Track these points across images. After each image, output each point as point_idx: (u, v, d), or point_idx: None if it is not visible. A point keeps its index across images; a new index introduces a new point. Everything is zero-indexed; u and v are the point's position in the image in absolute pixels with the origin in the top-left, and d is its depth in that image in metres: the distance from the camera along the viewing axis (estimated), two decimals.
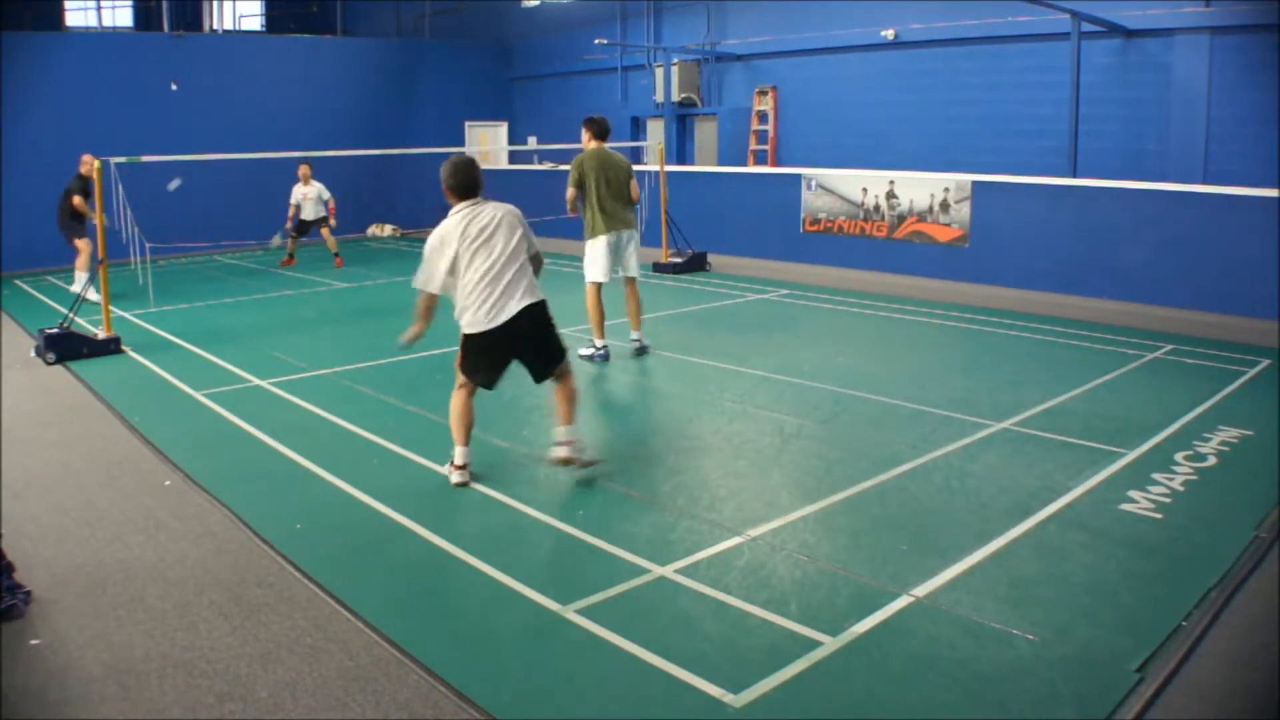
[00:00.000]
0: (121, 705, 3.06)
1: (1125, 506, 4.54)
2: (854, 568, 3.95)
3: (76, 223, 11.09)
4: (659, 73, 16.97)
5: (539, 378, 5.03)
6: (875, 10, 13.99)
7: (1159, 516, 4.43)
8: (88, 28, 18.59)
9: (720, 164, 16.16)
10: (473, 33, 20.13)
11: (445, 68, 19.26)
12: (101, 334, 8.34)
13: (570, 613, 3.59)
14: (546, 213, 12.70)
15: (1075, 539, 4.21)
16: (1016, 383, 6.83)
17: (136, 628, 3.54)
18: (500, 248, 4.77)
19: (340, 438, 5.82)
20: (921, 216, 11.61)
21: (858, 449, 5.51)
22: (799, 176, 13.06)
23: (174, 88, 15.69)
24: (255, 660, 3.31)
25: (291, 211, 13.60)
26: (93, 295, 8.88)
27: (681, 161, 16.91)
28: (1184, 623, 3.48)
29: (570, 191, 7.37)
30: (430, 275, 4.80)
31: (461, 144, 18.81)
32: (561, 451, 4.92)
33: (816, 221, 12.79)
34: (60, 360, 7.91)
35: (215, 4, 19.37)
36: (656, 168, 12.75)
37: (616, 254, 7.53)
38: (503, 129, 20.15)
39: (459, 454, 4.99)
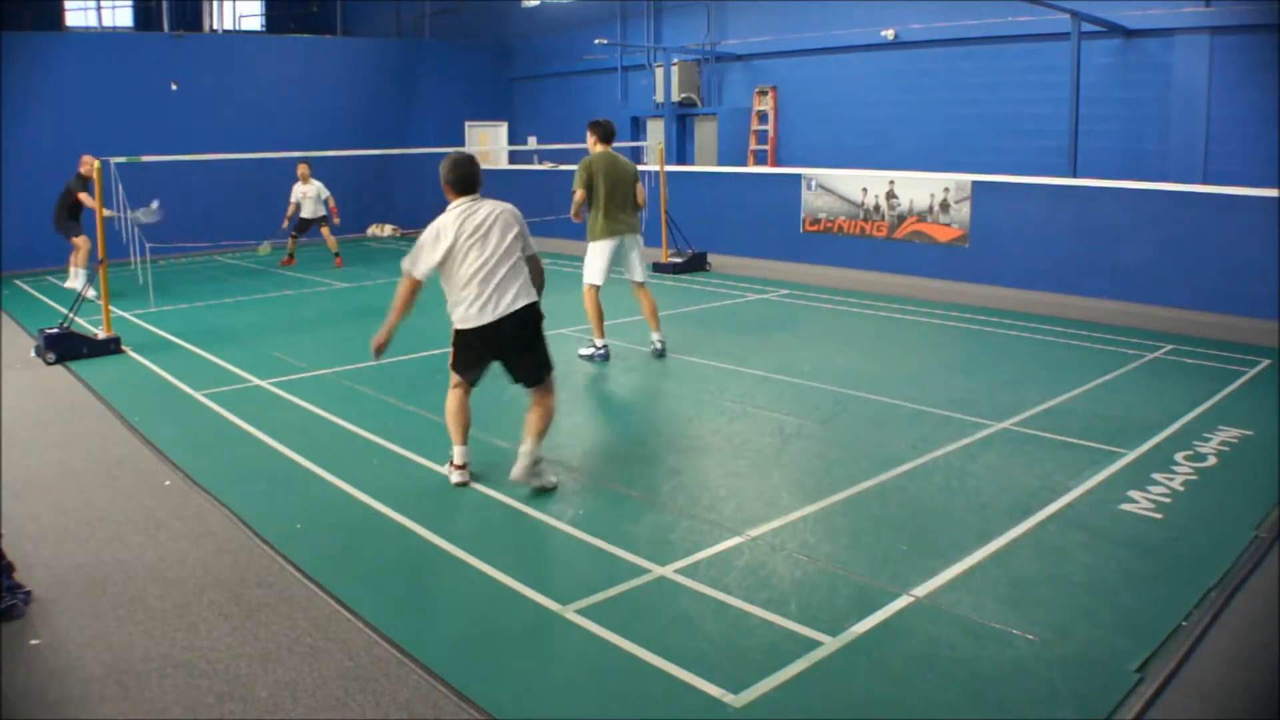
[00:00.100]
0: (121, 705, 3.06)
1: (1125, 506, 4.54)
2: (854, 568, 3.95)
3: (74, 221, 11.10)
4: (659, 73, 16.97)
5: (517, 381, 4.93)
6: (875, 10, 13.99)
7: (1159, 516, 4.43)
8: (88, 28, 18.59)
9: (720, 164, 16.16)
10: (473, 33, 20.13)
11: (445, 68, 19.27)
12: (101, 334, 8.34)
13: (570, 613, 3.59)
14: (547, 213, 12.72)
15: (1075, 539, 4.21)
16: (1016, 383, 6.83)
17: (136, 628, 3.54)
18: (494, 245, 4.74)
19: (340, 438, 5.82)
20: (921, 216, 11.61)
21: (858, 449, 5.51)
22: (799, 176, 13.05)
23: (174, 88, 15.69)
24: (255, 660, 3.31)
25: (290, 210, 13.61)
26: (90, 293, 8.88)
27: (681, 161, 16.91)
28: (1184, 623, 3.48)
29: (580, 194, 7.33)
30: (417, 262, 4.77)
31: (462, 144, 18.80)
32: (518, 467, 4.72)
33: (816, 221, 12.79)
34: (60, 360, 7.91)
35: (215, 4, 19.37)
36: (656, 168, 12.75)
37: (617, 258, 7.54)
38: (503, 129, 20.15)
39: (458, 453, 4.98)
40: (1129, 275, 9.80)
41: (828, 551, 4.12)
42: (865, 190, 12.22)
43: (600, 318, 7.57)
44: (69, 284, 11.84)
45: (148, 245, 10.25)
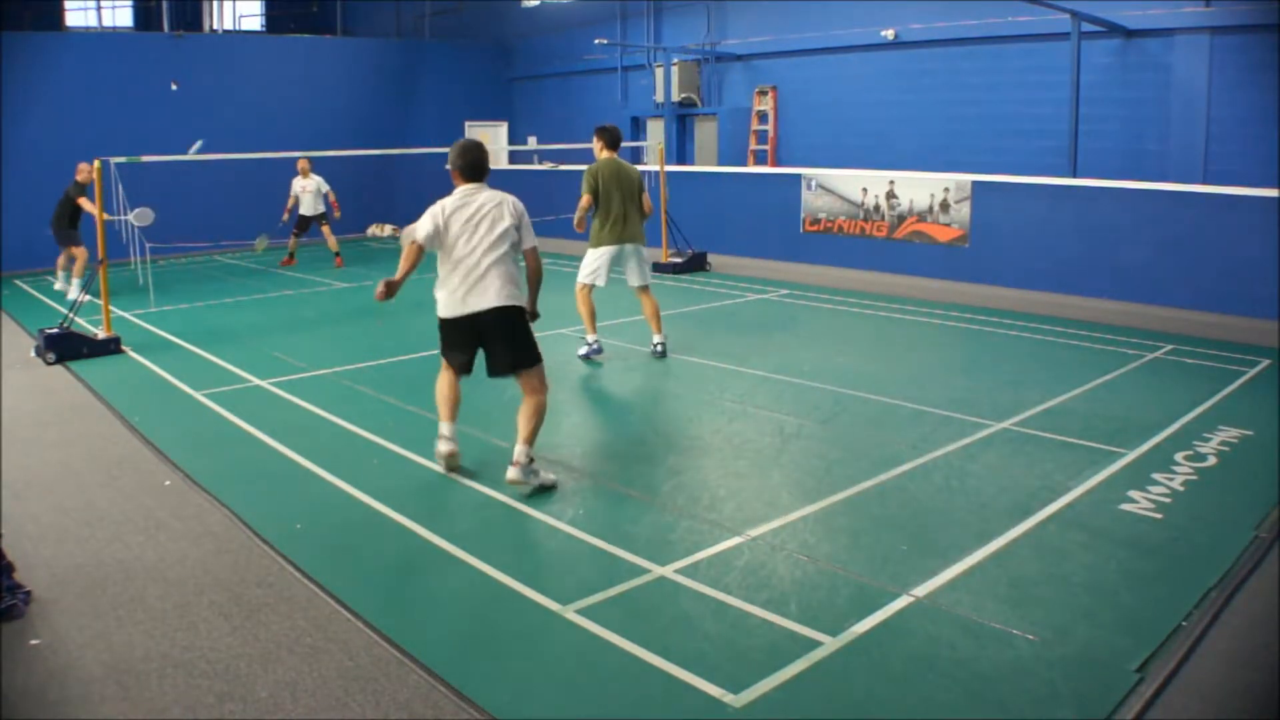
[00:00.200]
0: (121, 705, 3.06)
1: (1125, 506, 4.54)
2: (854, 568, 3.95)
3: (74, 229, 11.11)
4: (659, 73, 16.97)
5: (493, 373, 4.95)
6: (875, 10, 13.99)
7: (1159, 516, 4.43)
8: (88, 28, 18.59)
9: (720, 164, 16.16)
10: (473, 33, 20.13)
11: (445, 68, 19.26)
12: (101, 334, 8.34)
13: (570, 613, 3.59)
14: (547, 213, 12.71)
15: (1075, 539, 4.21)
16: (1016, 383, 6.83)
17: (136, 628, 3.54)
18: (481, 236, 4.76)
19: (340, 438, 5.82)
20: (921, 216, 11.61)
21: (858, 449, 5.51)
22: (799, 176, 13.05)
23: (174, 88, 15.69)
24: (255, 660, 3.31)
25: (290, 203, 13.61)
26: (85, 298, 8.90)
27: (681, 161, 16.91)
28: (1184, 623, 3.48)
29: (586, 200, 7.32)
30: (418, 228, 4.84)
31: None
32: (511, 472, 4.75)
33: (816, 221, 12.79)
34: (60, 360, 7.91)
35: (215, 4, 19.37)
36: (656, 168, 12.74)
37: (617, 264, 7.55)
38: (503, 129, 20.15)
39: (444, 428, 5.07)
40: (1129, 275, 9.80)
41: (828, 551, 4.12)
42: (865, 190, 12.22)
43: (592, 315, 7.60)
44: (59, 286, 11.82)
45: (148, 245, 10.27)
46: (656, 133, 17.11)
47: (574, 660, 3.30)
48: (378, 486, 4.92)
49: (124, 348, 8.31)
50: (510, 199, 4.90)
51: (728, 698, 3.02)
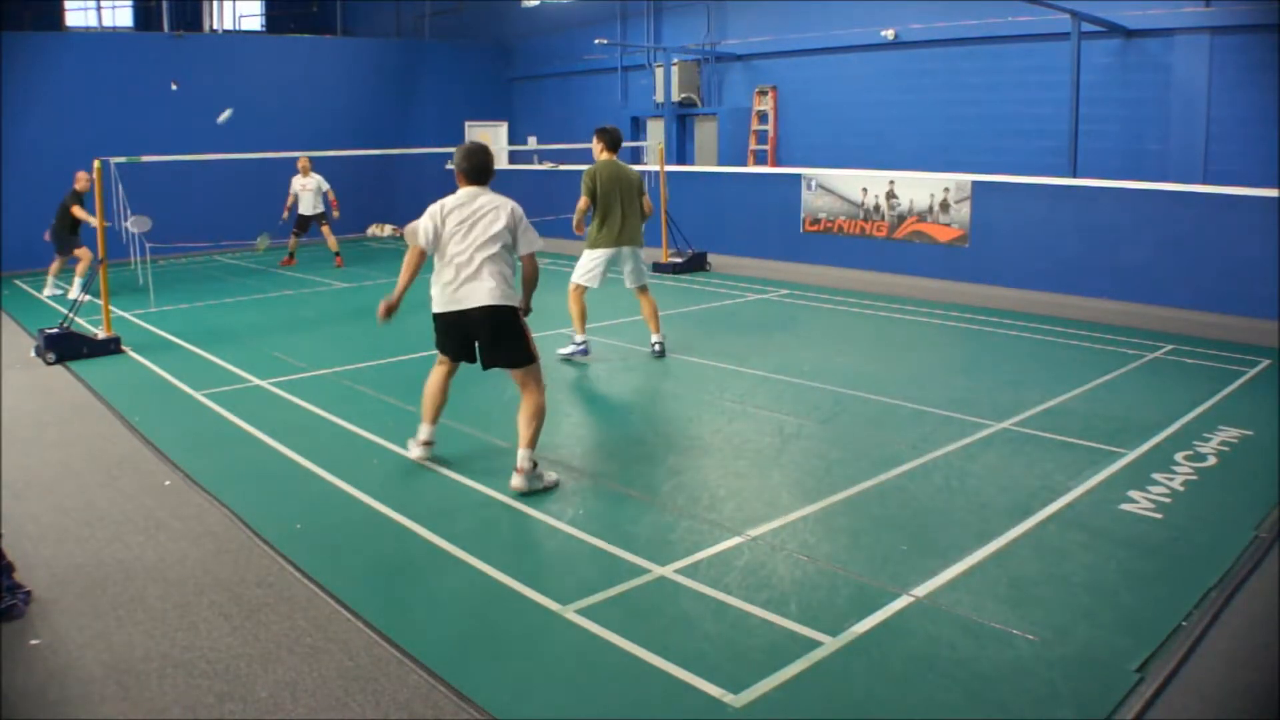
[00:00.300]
0: (121, 705, 3.06)
1: (1125, 506, 4.54)
2: (854, 568, 3.95)
3: (74, 235, 11.12)
4: (659, 73, 16.97)
5: (486, 366, 5.00)
6: (875, 10, 13.99)
7: (1159, 516, 4.43)
8: (88, 28, 18.59)
9: (720, 164, 16.16)
10: (473, 33, 20.13)
11: (445, 68, 19.26)
12: (101, 334, 8.34)
13: (570, 613, 3.59)
14: (548, 213, 12.70)
15: (1075, 539, 4.21)
16: (1016, 383, 6.83)
17: (136, 628, 3.54)
18: (475, 237, 4.80)
19: (340, 438, 5.82)
20: (921, 216, 11.61)
21: (858, 449, 5.51)
22: (799, 176, 13.06)
23: (174, 88, 15.69)
24: (255, 660, 3.31)
25: (289, 201, 13.61)
26: (74, 293, 8.90)
27: (681, 161, 16.91)
28: (1184, 623, 3.48)
29: (584, 202, 7.31)
30: (418, 231, 4.92)
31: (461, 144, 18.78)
32: (515, 480, 4.79)
33: (816, 221, 12.79)
34: (60, 360, 7.91)
35: (215, 4, 19.37)
36: (656, 168, 12.74)
37: (614, 266, 7.55)
38: (503, 129, 20.15)
39: (423, 430, 5.20)
40: (1129, 275, 9.80)
41: (828, 551, 4.12)
42: (865, 190, 12.22)
43: (582, 315, 7.60)
44: (47, 292, 11.75)
45: (148, 245, 10.27)
46: (656, 133, 17.11)
47: (574, 660, 3.30)
48: (378, 486, 4.92)
49: (124, 348, 8.31)
50: (510, 204, 4.93)
51: (728, 698, 3.02)
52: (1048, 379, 6.88)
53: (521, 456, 4.79)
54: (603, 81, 18.57)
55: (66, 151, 13.13)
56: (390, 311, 4.92)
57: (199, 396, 6.79)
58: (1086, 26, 11.20)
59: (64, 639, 3.47)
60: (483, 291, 4.77)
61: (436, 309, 4.91)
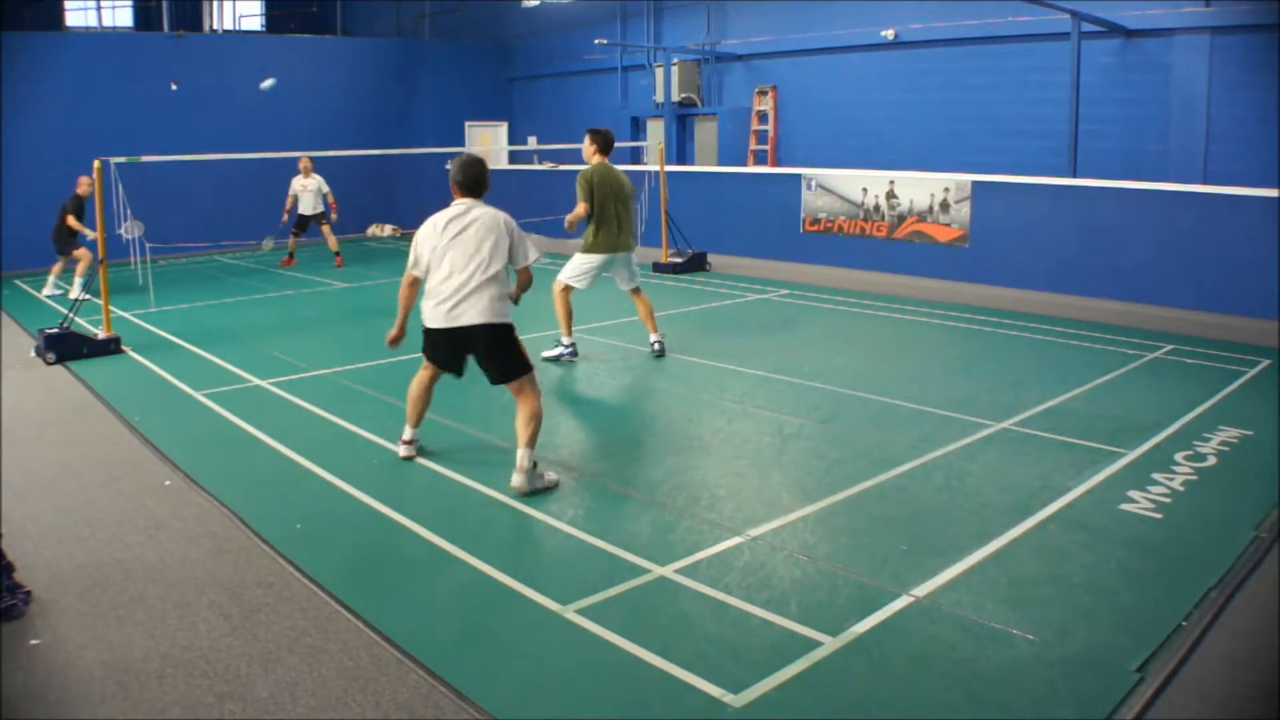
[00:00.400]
0: (121, 705, 3.06)
1: (1125, 506, 4.54)
2: (854, 568, 3.95)
3: (71, 237, 11.14)
4: (659, 73, 16.97)
5: (494, 382, 5.09)
6: (875, 10, 13.99)
7: (1159, 516, 4.43)
8: (88, 28, 18.57)
9: (720, 164, 16.16)
10: (473, 33, 20.12)
11: (445, 68, 19.26)
12: (101, 334, 8.34)
13: (570, 613, 3.59)
14: (548, 213, 12.70)
15: (1075, 539, 4.21)
16: (1016, 383, 6.83)
17: (136, 628, 3.54)
18: (469, 253, 4.84)
19: (340, 438, 5.82)
20: (921, 216, 11.61)
21: (858, 449, 5.51)
22: (799, 176, 13.06)
23: (174, 88, 15.68)
24: (255, 660, 3.31)
25: (289, 203, 13.60)
26: (74, 293, 8.90)
27: (681, 161, 16.91)
28: (1184, 623, 3.48)
29: (584, 208, 7.26)
30: (416, 258, 5.01)
31: (462, 144, 18.80)
32: (515, 479, 4.81)
33: (816, 221, 12.79)
34: (60, 360, 7.91)
35: (215, 4, 19.36)
36: (656, 168, 12.74)
37: (605, 270, 7.52)
38: (503, 129, 20.15)
39: (407, 431, 5.32)
40: (1129, 275, 9.80)
41: (828, 551, 4.12)
42: (865, 190, 12.22)
43: (569, 316, 7.56)
44: (46, 292, 11.76)
45: (148, 245, 10.26)
46: (656, 133, 17.10)
47: (574, 660, 3.30)
48: (377, 486, 4.92)
49: (124, 348, 8.31)
50: (504, 217, 4.98)
51: (728, 698, 3.02)
52: (1048, 379, 6.88)
53: (521, 456, 4.82)
54: (603, 81, 18.56)
55: (66, 151, 13.13)
56: (396, 342, 5.15)
57: (199, 396, 6.79)
58: (1086, 26, 11.20)
59: (64, 639, 3.47)
60: (478, 310, 4.82)
61: (429, 324, 4.93)
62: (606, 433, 6.22)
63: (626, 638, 3.39)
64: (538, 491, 4.81)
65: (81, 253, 11.09)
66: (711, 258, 12.74)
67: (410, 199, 17.71)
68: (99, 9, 18.68)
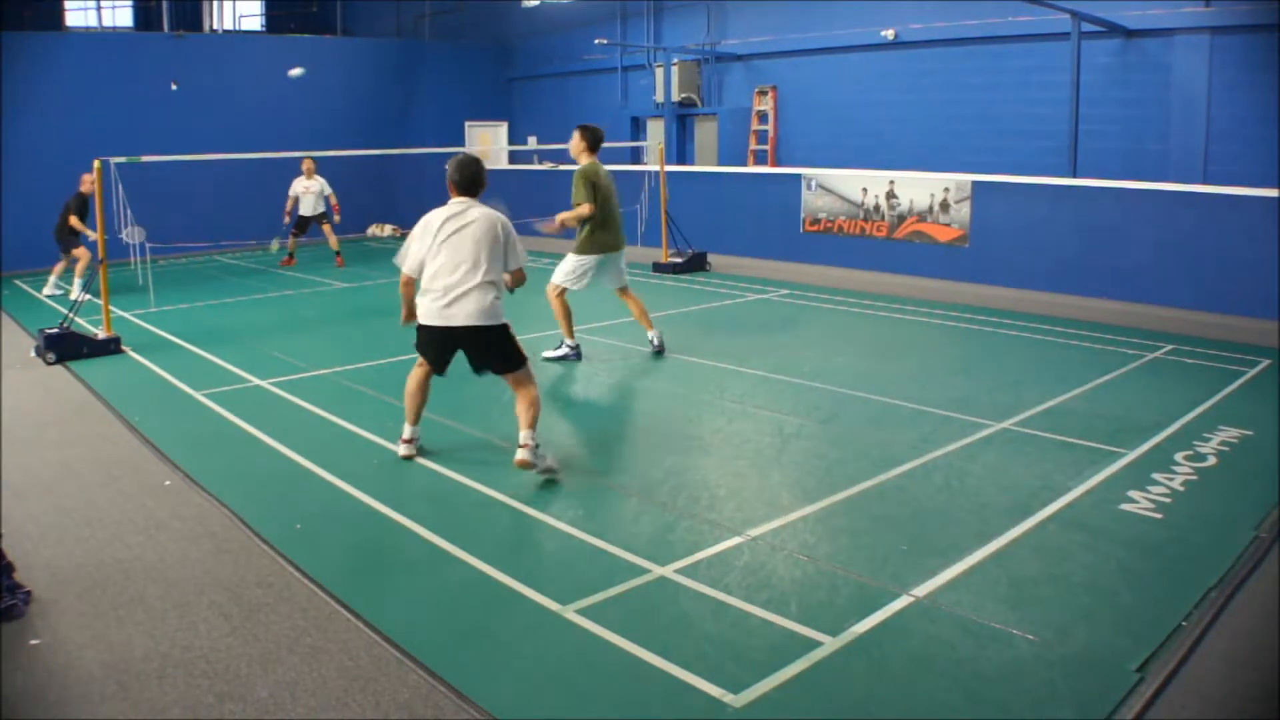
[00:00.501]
0: (121, 705, 3.06)
1: (1125, 506, 4.54)
2: (854, 568, 3.95)
3: (73, 236, 11.14)
4: (659, 73, 16.97)
5: (477, 372, 5.17)
6: (875, 10, 13.99)
7: (1159, 516, 4.43)
8: (88, 28, 18.57)
9: (720, 164, 16.16)
10: (473, 33, 20.13)
11: (445, 68, 19.26)
12: (101, 334, 8.34)
13: (570, 613, 3.59)
14: (548, 213, 12.69)
15: (1075, 539, 4.21)
16: (1016, 383, 6.83)
17: (136, 628, 3.54)
18: (465, 252, 4.88)
19: (340, 438, 5.82)
20: (921, 216, 11.61)
21: (858, 449, 5.51)
22: (799, 176, 13.06)
23: (174, 88, 15.68)
24: (255, 660, 3.31)
25: (289, 205, 13.60)
26: (74, 293, 8.90)
27: (681, 161, 16.91)
28: (1184, 623, 3.48)
29: (588, 209, 7.18)
30: (405, 255, 5.05)
31: (461, 144, 18.81)
32: (519, 455, 4.92)
33: (816, 221, 12.79)
34: (60, 360, 7.91)
35: (215, 4, 19.36)
36: (656, 168, 12.74)
37: (599, 271, 7.48)
38: (503, 129, 20.16)
39: (406, 430, 5.31)
40: (1129, 275, 9.80)
41: (828, 551, 4.12)
42: (865, 190, 12.22)
43: (568, 317, 7.53)
44: (47, 291, 11.76)
45: (148, 245, 10.26)
46: (656, 133, 17.11)
47: (574, 660, 3.30)
48: (377, 486, 4.92)
49: (124, 348, 8.31)
50: (500, 218, 5.01)
51: (728, 698, 3.02)
52: (1048, 379, 6.88)
53: (524, 436, 4.92)
54: (603, 81, 18.56)
55: (66, 151, 13.13)
56: (409, 321, 5.20)
57: (199, 396, 6.79)
58: (1086, 26, 11.20)
59: (64, 639, 3.47)
60: (471, 311, 4.87)
61: (424, 320, 4.99)
62: (607, 433, 6.22)
63: (626, 638, 3.39)
64: (540, 471, 4.92)
65: (81, 252, 11.09)
66: (711, 258, 12.74)
67: (410, 199, 17.68)
68: (99, 9, 18.68)
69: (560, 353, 7.59)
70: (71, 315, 8.30)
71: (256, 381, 7.19)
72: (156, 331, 9.23)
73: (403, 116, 18.61)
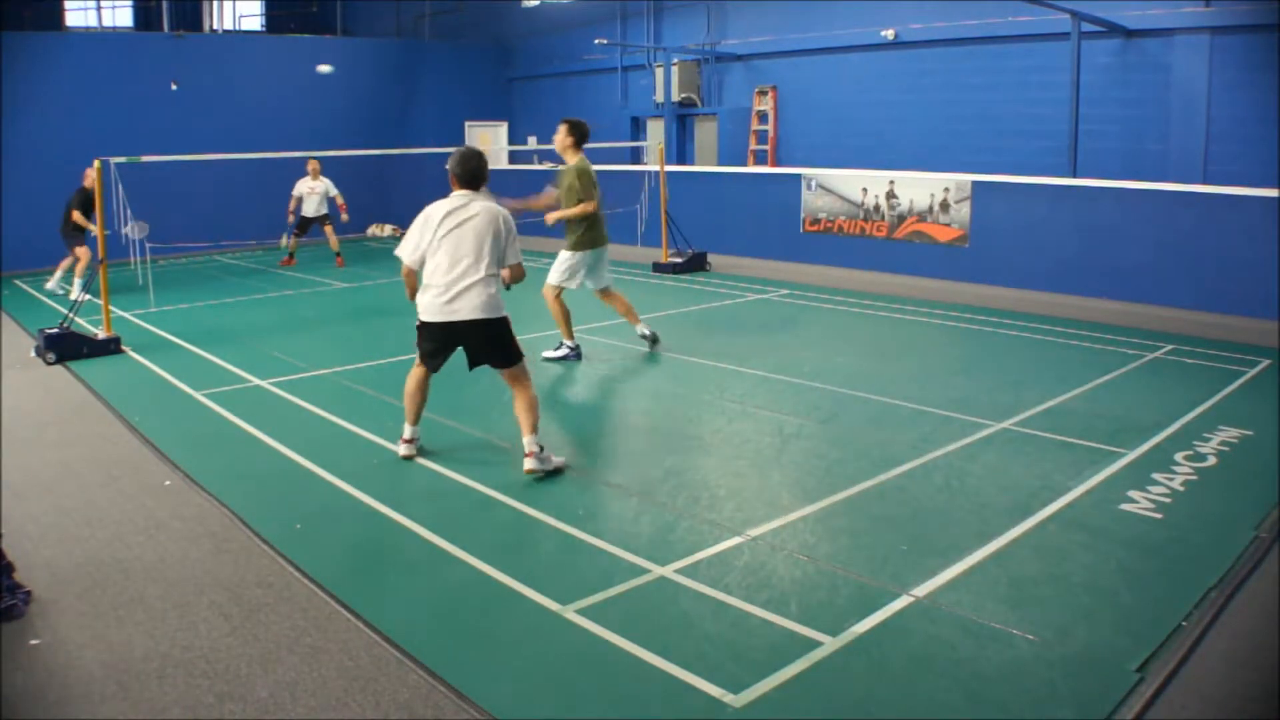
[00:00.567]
0: (121, 705, 3.06)
1: (1125, 506, 4.54)
2: (854, 568, 3.95)
3: (77, 232, 11.15)
4: (659, 73, 16.97)
5: (472, 366, 5.17)
6: (875, 10, 13.99)
7: (1159, 516, 4.43)
8: (88, 28, 18.57)
9: (720, 164, 16.16)
10: (473, 33, 20.13)
11: (445, 68, 19.26)
12: (101, 334, 8.34)
13: (570, 613, 3.59)
14: (548, 212, 12.70)
15: (1075, 539, 4.21)
16: (1016, 383, 6.83)
17: (136, 628, 3.54)
18: (467, 246, 4.88)
19: (340, 437, 5.82)
20: (921, 216, 11.61)
21: (858, 449, 5.51)
22: (799, 176, 13.06)
23: (174, 88, 15.69)
24: (255, 660, 3.31)
25: (292, 205, 13.59)
26: (74, 293, 8.89)
27: (681, 161, 16.92)
28: (1184, 623, 3.48)
29: (593, 205, 7.16)
30: (406, 246, 5.03)
31: (462, 144, 18.79)
32: (527, 464, 4.95)
33: (816, 221, 12.79)
34: (60, 360, 7.91)
35: (215, 4, 19.36)
36: (656, 168, 12.74)
37: (588, 269, 7.47)
38: (503, 129, 20.16)
39: (407, 430, 5.31)
40: (1129, 275, 9.80)
41: (828, 551, 4.12)
42: (865, 190, 12.22)
43: (567, 317, 7.52)
44: (49, 285, 11.79)
45: (148, 245, 10.27)
46: (656, 133, 17.11)
47: (574, 660, 3.30)
48: (377, 486, 4.92)
49: (124, 348, 8.31)
50: (503, 213, 5.01)
51: (728, 698, 3.02)
52: (1048, 379, 6.88)
53: (528, 442, 4.94)
54: (603, 81, 18.57)
55: (66, 151, 13.12)
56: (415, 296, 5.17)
57: (199, 396, 6.79)
58: (1086, 26, 11.20)
59: (64, 639, 3.47)
60: (475, 305, 4.88)
61: (425, 317, 4.98)
62: (607, 433, 6.22)
63: (626, 638, 3.39)
64: (550, 473, 4.95)
65: (82, 252, 11.10)
66: (711, 258, 12.74)
67: (410, 199, 17.59)
68: (99, 9, 18.68)
69: (560, 353, 7.59)
70: (71, 315, 8.30)
71: (256, 381, 7.19)
72: (156, 331, 9.23)
73: (403, 116, 18.61)
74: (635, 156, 17.47)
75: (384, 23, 20.70)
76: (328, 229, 13.69)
